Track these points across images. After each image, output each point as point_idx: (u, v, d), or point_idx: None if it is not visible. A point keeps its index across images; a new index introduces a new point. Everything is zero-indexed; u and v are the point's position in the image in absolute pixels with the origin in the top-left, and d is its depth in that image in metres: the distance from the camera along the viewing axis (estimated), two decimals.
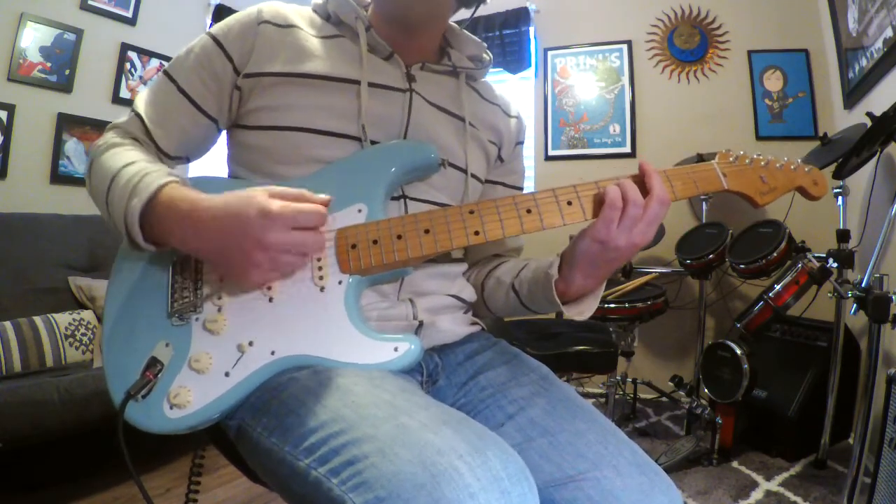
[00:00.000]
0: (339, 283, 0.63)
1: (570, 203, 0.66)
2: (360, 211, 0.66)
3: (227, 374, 0.59)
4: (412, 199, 0.73)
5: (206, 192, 0.68)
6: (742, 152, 0.73)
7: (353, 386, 0.56)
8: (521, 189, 0.93)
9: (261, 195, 0.57)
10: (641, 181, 0.67)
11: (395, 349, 0.60)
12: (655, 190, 0.65)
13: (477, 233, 0.65)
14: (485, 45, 0.85)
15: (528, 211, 0.66)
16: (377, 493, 0.44)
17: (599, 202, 0.65)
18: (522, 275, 0.78)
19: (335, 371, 0.58)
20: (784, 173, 0.74)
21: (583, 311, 0.72)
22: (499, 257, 0.90)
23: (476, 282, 0.87)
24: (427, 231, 0.65)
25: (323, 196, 0.62)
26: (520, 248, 0.92)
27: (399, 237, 0.64)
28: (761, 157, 0.73)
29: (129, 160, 0.65)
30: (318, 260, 0.64)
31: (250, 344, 0.60)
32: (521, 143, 0.92)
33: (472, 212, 0.66)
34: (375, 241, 0.64)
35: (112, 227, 0.64)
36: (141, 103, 0.73)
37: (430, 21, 0.77)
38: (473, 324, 0.84)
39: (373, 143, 0.71)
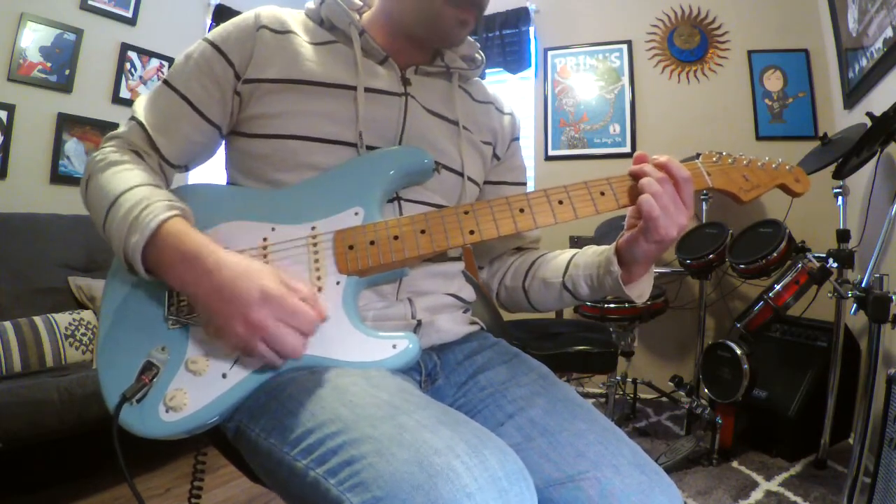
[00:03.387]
0: (337, 283, 0.64)
1: (560, 202, 0.68)
2: (356, 214, 0.67)
3: (224, 376, 0.59)
4: (407, 200, 0.74)
5: (202, 199, 0.67)
6: (724, 153, 0.77)
7: (350, 386, 0.56)
8: (524, 184, 0.94)
9: (270, 277, 0.57)
10: (637, 176, 0.69)
11: (394, 346, 0.60)
12: (676, 174, 0.68)
13: (472, 232, 0.66)
14: (477, 44, 0.86)
15: (521, 210, 0.68)
16: (374, 494, 0.44)
17: (619, 201, 0.69)
18: (573, 274, 0.79)
19: (333, 371, 0.58)
20: (766, 172, 0.76)
21: (643, 294, 0.75)
22: (521, 250, 0.91)
23: (514, 284, 0.87)
24: (423, 231, 0.66)
25: (323, 310, 0.60)
26: (538, 239, 0.93)
27: (396, 238, 0.65)
28: (743, 157, 0.77)
29: (128, 184, 0.63)
30: (316, 261, 0.64)
31: None
32: (517, 139, 0.93)
33: (466, 212, 0.67)
34: (372, 242, 0.65)
35: (108, 245, 0.63)
36: (141, 111, 0.72)
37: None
38: (472, 323, 0.84)
39: (369, 148, 0.71)
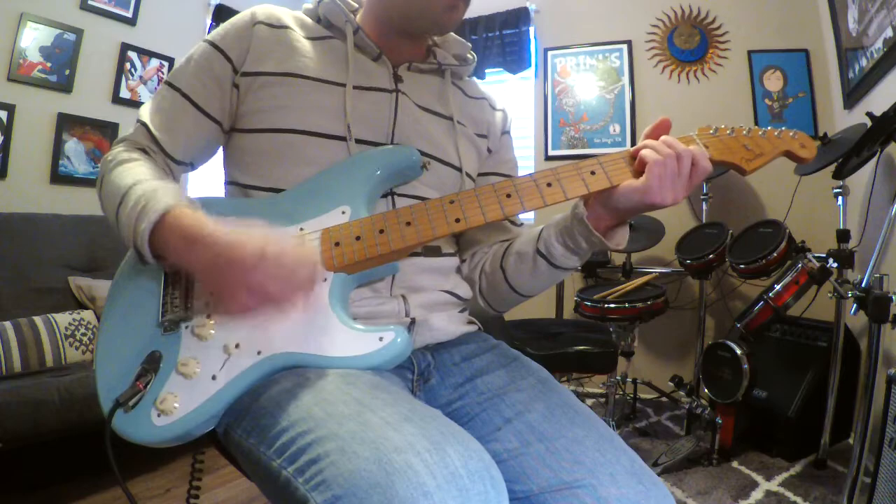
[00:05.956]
0: (324, 280, 0.64)
1: (549, 185, 0.67)
2: (343, 212, 0.67)
3: (213, 378, 0.59)
4: (400, 195, 0.74)
5: (209, 213, 0.69)
6: (723, 125, 0.73)
7: (326, 384, 0.56)
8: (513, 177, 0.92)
9: (260, 239, 0.57)
10: (630, 157, 0.68)
11: (381, 339, 0.59)
12: (695, 154, 0.66)
13: (458, 220, 0.66)
14: (469, 45, 0.88)
15: (508, 195, 0.67)
16: (335, 492, 0.44)
17: (630, 171, 0.67)
18: (545, 235, 0.76)
19: (314, 372, 0.58)
20: (768, 140, 0.73)
21: (620, 242, 0.72)
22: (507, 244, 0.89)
23: (493, 267, 0.84)
24: (409, 223, 0.66)
25: (321, 270, 0.63)
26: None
27: (381, 231, 0.65)
28: (742, 127, 0.73)
29: (136, 179, 0.66)
30: None
31: (237, 346, 0.60)
32: (507, 132, 0.93)
33: (452, 201, 0.67)
34: (358, 237, 0.65)
35: (122, 239, 0.65)
36: (145, 113, 0.75)
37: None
38: (470, 323, 0.83)
39: (359, 142, 0.73)
